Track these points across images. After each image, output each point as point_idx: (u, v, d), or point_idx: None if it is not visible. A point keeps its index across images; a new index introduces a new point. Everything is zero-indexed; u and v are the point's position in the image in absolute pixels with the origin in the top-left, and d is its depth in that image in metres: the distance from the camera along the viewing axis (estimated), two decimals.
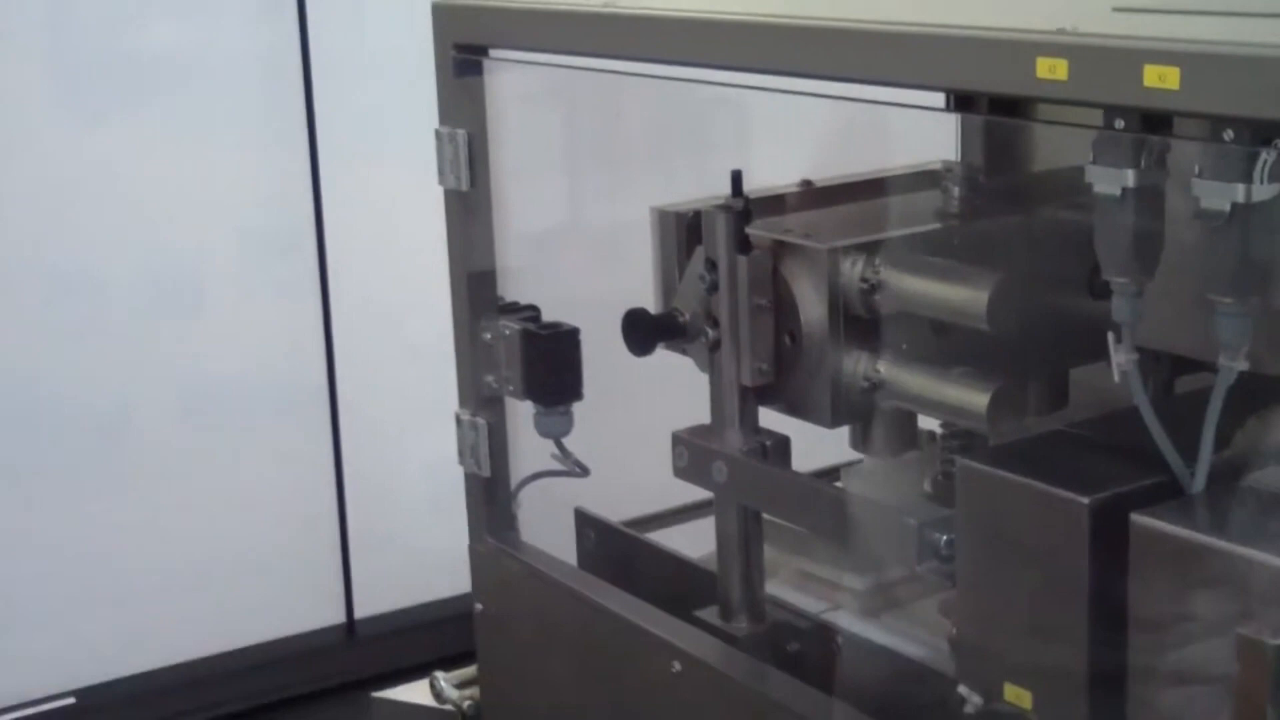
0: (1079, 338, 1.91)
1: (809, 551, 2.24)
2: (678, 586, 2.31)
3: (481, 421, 2.36)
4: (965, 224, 2.11)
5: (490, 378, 2.36)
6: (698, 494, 2.55)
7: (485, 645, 2.46)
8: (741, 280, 2.05)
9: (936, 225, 2.09)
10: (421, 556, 4.00)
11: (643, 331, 2.13)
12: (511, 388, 2.34)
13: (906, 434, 2.19)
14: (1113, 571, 1.60)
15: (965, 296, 1.93)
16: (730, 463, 2.08)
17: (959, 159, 2.38)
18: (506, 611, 2.41)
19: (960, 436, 2.15)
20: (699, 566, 2.33)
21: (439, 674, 2.86)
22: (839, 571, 2.21)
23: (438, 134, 2.30)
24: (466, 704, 2.74)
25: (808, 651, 2.12)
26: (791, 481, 2.05)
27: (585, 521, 2.51)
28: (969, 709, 1.77)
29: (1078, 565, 1.61)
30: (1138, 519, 1.55)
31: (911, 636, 2.12)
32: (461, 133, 2.28)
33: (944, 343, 2.02)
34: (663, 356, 2.23)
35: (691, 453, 2.13)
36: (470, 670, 2.89)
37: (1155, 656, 1.56)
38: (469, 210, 2.32)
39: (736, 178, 2.08)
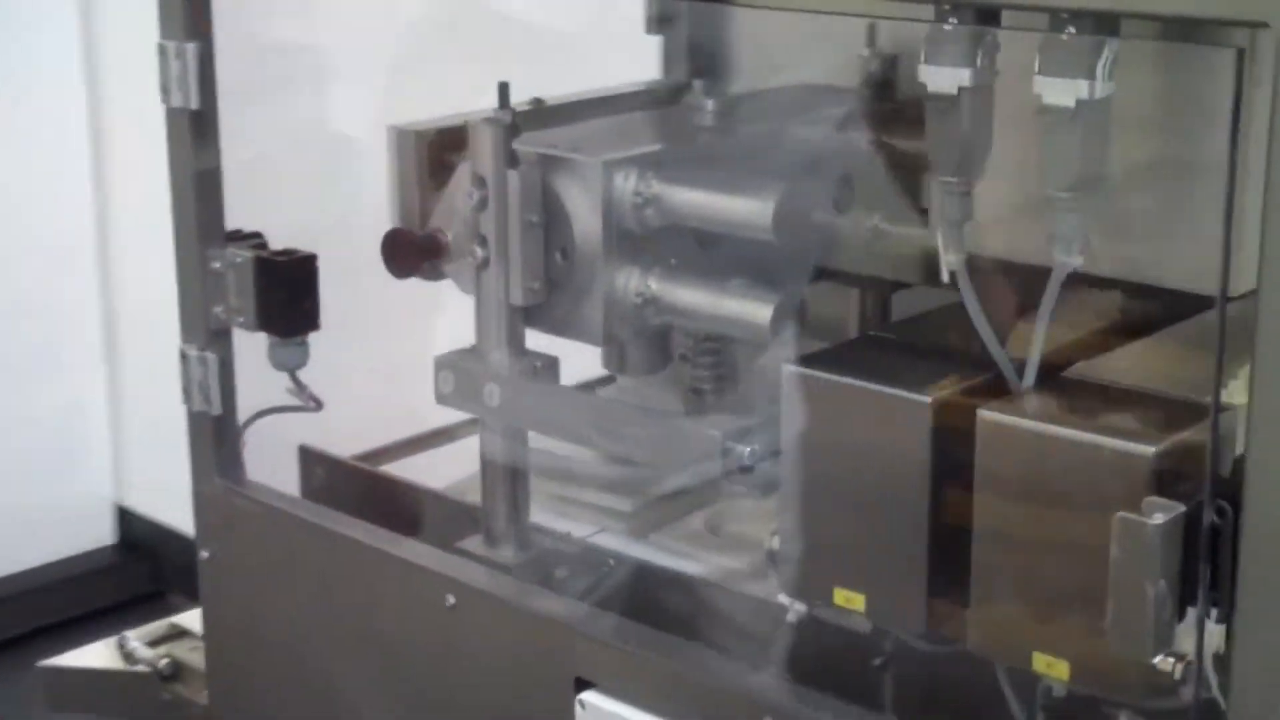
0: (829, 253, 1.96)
1: (569, 477, 2.19)
2: (420, 520, 2.24)
3: (211, 356, 2.23)
4: (728, 139, 2.10)
5: (219, 309, 2.23)
6: (421, 427, 2.50)
7: (212, 595, 2.33)
8: (513, 196, 1.98)
9: (706, 139, 2.07)
10: None
11: (406, 253, 2.04)
12: (243, 319, 2.22)
13: (664, 353, 2.17)
14: (950, 469, 1.62)
15: (750, 208, 1.92)
16: (506, 385, 2.02)
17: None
18: (239, 557, 2.28)
19: (711, 354, 2.14)
20: (443, 497, 2.27)
21: (129, 633, 2.71)
22: (600, 495, 2.18)
23: (161, 48, 2.15)
24: (163, 663, 2.61)
25: (577, 576, 2.09)
26: (579, 400, 2.01)
27: (311, 459, 2.40)
28: (790, 618, 1.77)
29: (918, 465, 1.61)
30: (985, 414, 1.57)
31: (681, 553, 2.11)
32: (191, 46, 2.14)
33: (718, 258, 2.01)
34: (379, 289, 2.17)
35: (458, 377, 2.06)
36: (162, 625, 2.75)
37: (1000, 551, 1.58)
38: (197, 131, 2.18)
39: (504, 90, 2.01)
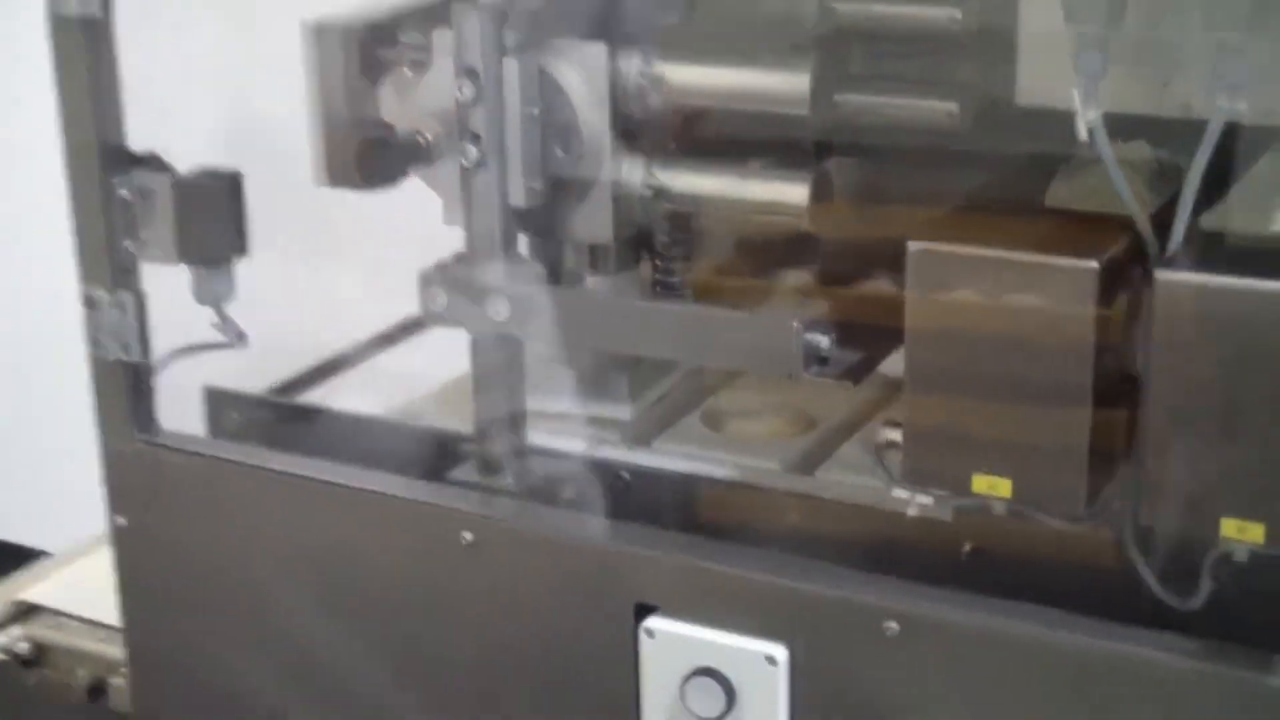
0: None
1: (562, 391, 2.03)
2: (377, 455, 2.03)
3: (128, 296, 1.96)
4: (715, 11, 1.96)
5: (129, 243, 1.96)
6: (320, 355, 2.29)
7: (133, 568, 2.07)
8: (510, 87, 1.79)
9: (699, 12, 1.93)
10: None
11: (388, 161, 1.82)
12: (158, 251, 1.96)
13: (636, 250, 2.02)
14: (1110, 338, 1.55)
15: (784, 82, 1.79)
16: (519, 296, 1.83)
17: None
18: (172, 522, 2.02)
19: (677, 246, 2.01)
20: (402, 426, 2.08)
21: None
22: (596, 406, 2.02)
23: None
24: (21, 645, 2.35)
25: (589, 496, 1.93)
26: (621, 306, 1.84)
27: (222, 401, 2.16)
28: (912, 511, 1.67)
29: (1081, 336, 1.53)
30: (1165, 275, 1.49)
31: (693, 456, 1.98)
32: None
33: (734, 141, 1.88)
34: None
35: (453, 291, 1.86)
36: (6, 605, 2.48)
37: (1179, 418, 1.52)
38: (95, 42, 1.90)
39: None
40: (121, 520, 2.04)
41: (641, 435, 2.01)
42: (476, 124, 1.80)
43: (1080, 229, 1.61)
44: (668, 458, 1.96)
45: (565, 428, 1.99)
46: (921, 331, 1.61)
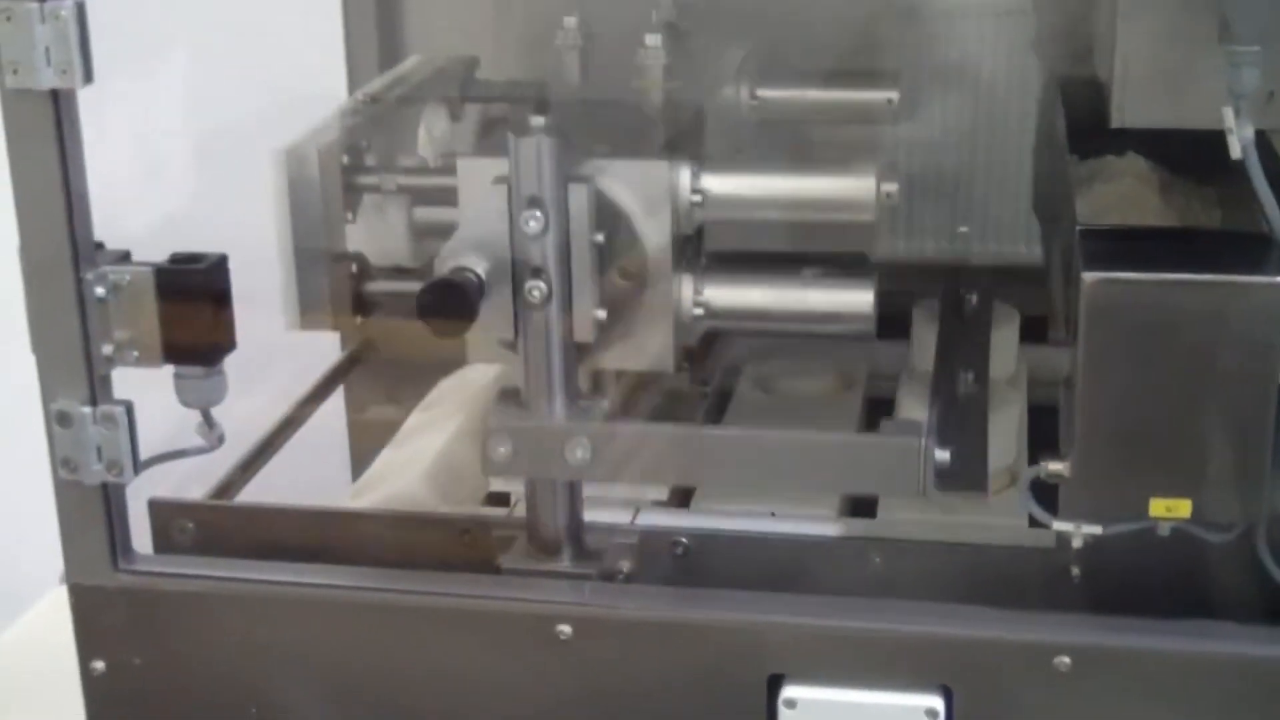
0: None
1: None
2: (397, 551, 1.83)
3: (117, 409, 1.69)
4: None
5: (108, 348, 1.69)
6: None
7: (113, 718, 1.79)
8: (579, 213, 1.66)
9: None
10: None
11: (459, 307, 1.62)
12: (139, 353, 1.70)
13: None
14: None
15: (852, 186, 1.74)
16: (597, 437, 1.69)
17: None
18: (166, 661, 1.76)
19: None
20: (405, 516, 1.88)
21: None
22: None
23: (17, 12, 1.57)
24: None
25: (651, 568, 1.80)
26: (720, 436, 1.72)
27: (167, 512, 1.89)
28: (1077, 544, 1.64)
29: (1269, 350, 1.54)
30: None
31: (739, 513, 1.89)
32: (71, 4, 1.58)
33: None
34: None
35: (519, 440, 1.70)
36: None
37: None
38: (63, 116, 1.62)
39: (542, 89, 1.69)
40: (98, 665, 1.76)
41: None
42: (539, 257, 1.66)
43: (1224, 244, 1.62)
44: (708, 518, 1.86)
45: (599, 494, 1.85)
46: (1097, 360, 1.57)
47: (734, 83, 2.06)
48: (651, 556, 1.80)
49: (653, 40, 1.94)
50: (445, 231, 1.72)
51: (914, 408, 1.99)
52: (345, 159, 1.82)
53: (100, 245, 1.69)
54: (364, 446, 2.35)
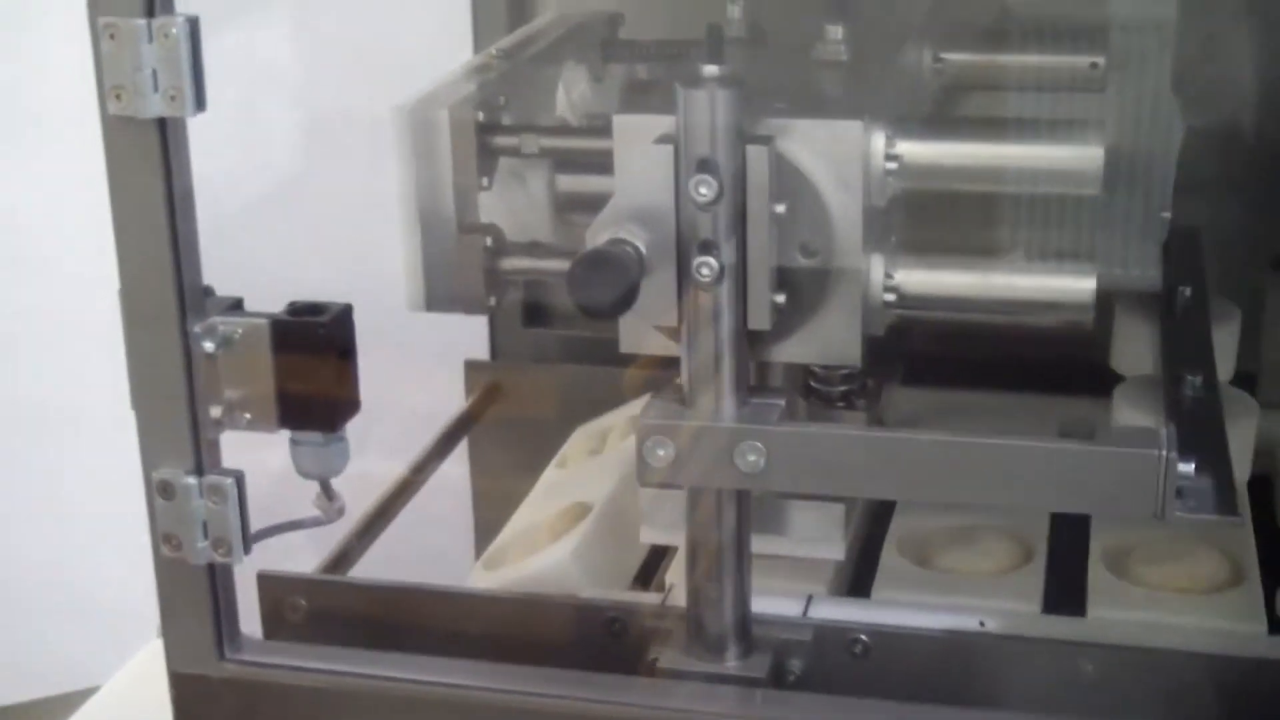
0: None
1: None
2: (543, 642, 1.62)
3: (229, 481, 1.49)
4: None
5: (216, 410, 1.49)
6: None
7: None
8: (758, 179, 1.42)
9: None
10: None
11: (620, 278, 1.40)
12: (249, 416, 1.50)
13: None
14: None
15: (1076, 156, 1.49)
16: (777, 437, 1.45)
17: None
18: None
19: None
20: (546, 599, 1.67)
21: None
22: (797, 545, 1.67)
23: (122, 30, 1.37)
24: None
25: (829, 667, 1.58)
26: (933, 442, 1.45)
27: (283, 588, 1.69)
28: None
29: None
30: None
31: (919, 604, 1.67)
32: (182, 20, 1.38)
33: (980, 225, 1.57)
34: None
35: (687, 443, 1.46)
36: None
37: None
38: (176, 149, 1.42)
39: (715, 34, 1.43)
40: None
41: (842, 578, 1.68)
42: (711, 229, 1.42)
43: None
44: (882, 610, 1.64)
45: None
46: None
47: (915, 45, 1.80)
48: (824, 656, 1.57)
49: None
50: (591, 203, 1.49)
51: (1133, 417, 1.74)
52: (480, 116, 1.60)
53: (209, 291, 1.50)
54: (488, 506, 2.15)
